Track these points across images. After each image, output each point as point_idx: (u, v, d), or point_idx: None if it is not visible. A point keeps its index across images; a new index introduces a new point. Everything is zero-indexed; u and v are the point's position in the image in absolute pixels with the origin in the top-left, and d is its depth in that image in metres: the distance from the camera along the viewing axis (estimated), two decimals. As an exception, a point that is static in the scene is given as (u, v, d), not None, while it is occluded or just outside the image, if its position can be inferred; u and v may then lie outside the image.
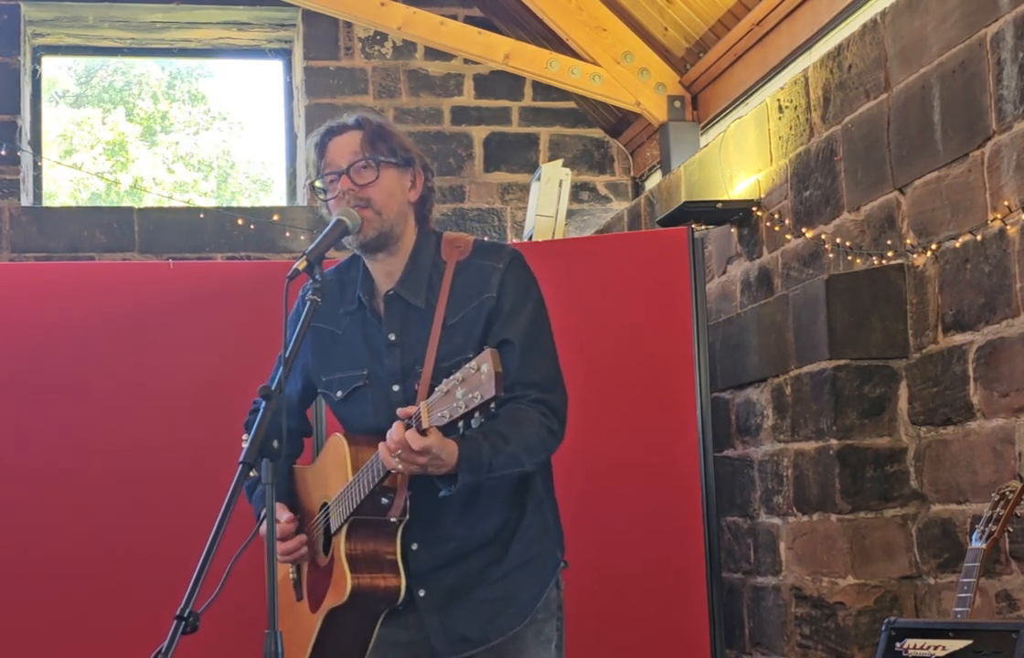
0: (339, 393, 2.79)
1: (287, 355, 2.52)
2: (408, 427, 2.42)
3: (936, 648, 2.94)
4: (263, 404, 2.46)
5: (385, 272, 2.77)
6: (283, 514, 2.79)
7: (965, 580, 3.04)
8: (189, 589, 2.25)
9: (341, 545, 2.63)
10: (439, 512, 2.65)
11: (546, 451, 2.67)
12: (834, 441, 4.04)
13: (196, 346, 4.54)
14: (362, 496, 2.57)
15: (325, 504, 2.77)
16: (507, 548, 2.71)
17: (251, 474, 2.43)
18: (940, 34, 3.85)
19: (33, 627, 4.31)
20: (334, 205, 2.72)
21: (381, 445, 2.47)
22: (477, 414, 2.30)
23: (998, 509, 3.12)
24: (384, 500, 2.60)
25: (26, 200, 7.40)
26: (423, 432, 2.40)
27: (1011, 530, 3.25)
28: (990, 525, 3.10)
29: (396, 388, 2.70)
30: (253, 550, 2.59)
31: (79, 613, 4.33)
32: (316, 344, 2.83)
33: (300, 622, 2.82)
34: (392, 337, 2.73)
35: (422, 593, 2.68)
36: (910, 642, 3.00)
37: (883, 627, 3.11)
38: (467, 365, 2.31)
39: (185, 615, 2.23)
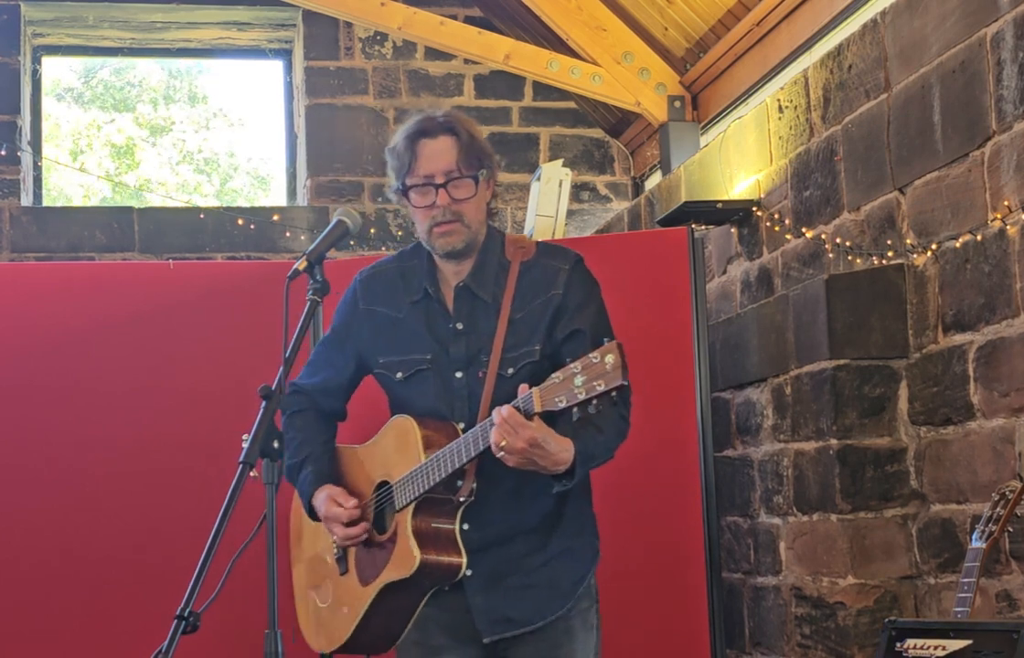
0: (399, 374, 2.86)
1: (287, 355, 2.53)
2: (518, 409, 2.53)
3: (936, 648, 2.94)
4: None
5: (455, 268, 2.86)
6: (348, 500, 2.83)
7: (965, 580, 3.04)
8: (189, 589, 2.26)
9: (407, 521, 2.72)
10: (489, 495, 2.75)
11: (622, 439, 2.79)
12: (834, 441, 4.04)
13: (196, 346, 4.54)
14: (441, 476, 2.67)
15: (385, 483, 2.83)
16: (550, 535, 2.81)
17: (251, 473, 2.45)
18: (940, 34, 3.85)
19: (33, 627, 4.31)
20: (422, 215, 2.79)
21: (493, 434, 2.55)
22: (595, 402, 2.44)
23: (998, 509, 3.12)
24: (459, 482, 2.71)
25: (26, 200, 7.40)
26: (531, 417, 2.51)
27: (1011, 530, 3.25)
28: (990, 525, 3.10)
29: (459, 375, 2.80)
30: (253, 550, 2.59)
31: (79, 613, 4.33)
32: (374, 328, 2.91)
33: (345, 595, 2.90)
34: (460, 326, 2.82)
35: (468, 572, 2.76)
36: (910, 642, 3.00)
37: (883, 627, 3.11)
38: (588, 356, 2.45)
39: (185, 615, 2.24)
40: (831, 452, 4.05)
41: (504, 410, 2.53)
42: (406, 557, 2.72)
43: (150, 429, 4.46)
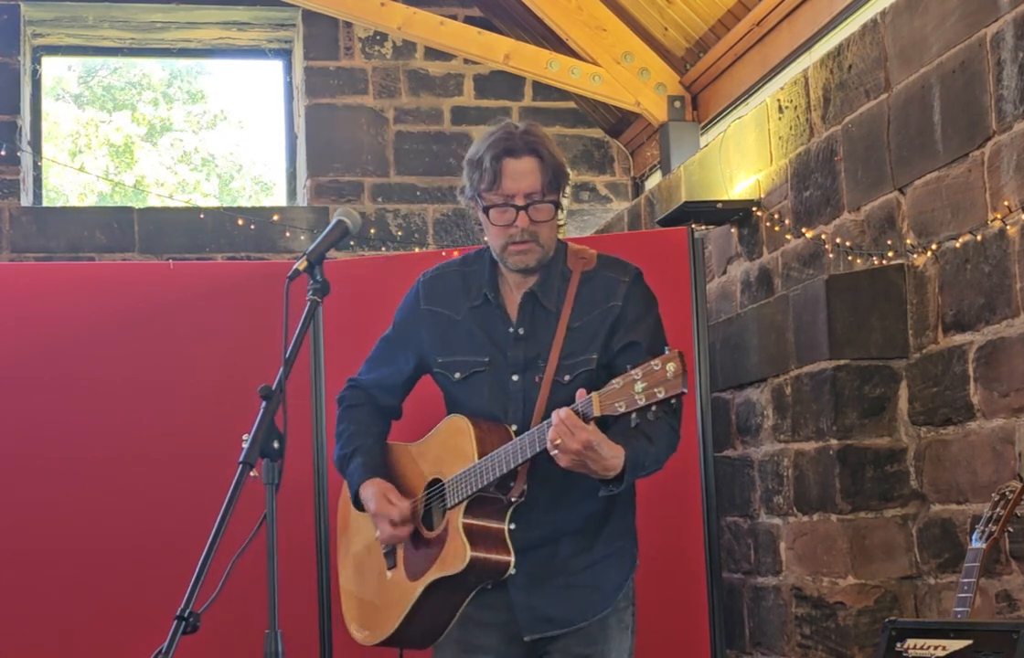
0: (457, 374, 2.92)
1: (287, 355, 2.53)
2: (577, 412, 2.59)
3: (936, 648, 2.94)
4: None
5: (521, 277, 2.91)
6: (401, 500, 2.90)
7: (965, 580, 3.04)
8: (189, 589, 2.26)
9: (459, 519, 2.78)
10: (537, 497, 2.81)
11: (672, 451, 2.83)
12: (834, 441, 4.04)
13: (196, 346, 4.54)
14: (496, 475, 2.73)
15: (437, 480, 2.89)
16: (595, 538, 2.89)
17: (251, 473, 2.44)
18: (940, 34, 3.85)
19: (33, 627, 4.31)
20: (498, 232, 2.84)
21: (550, 435, 2.61)
22: (655, 408, 2.51)
23: (998, 509, 3.12)
24: (511, 483, 2.77)
25: (26, 200, 7.40)
26: (589, 421, 2.58)
27: (1011, 530, 3.25)
28: (990, 525, 3.10)
29: (515, 378, 2.86)
30: (253, 550, 2.59)
31: (79, 613, 4.33)
32: (434, 327, 2.97)
33: (392, 590, 2.96)
34: (521, 331, 2.88)
35: (513, 571, 2.82)
36: (910, 642, 3.00)
37: (884, 627, 3.11)
38: (648, 363, 2.52)
39: (185, 615, 2.24)
40: (831, 452, 4.05)
41: (563, 411, 2.59)
42: (457, 553, 2.78)
43: (150, 429, 4.46)
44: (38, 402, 4.44)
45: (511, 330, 2.89)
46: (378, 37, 7.70)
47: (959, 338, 3.78)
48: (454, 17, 7.37)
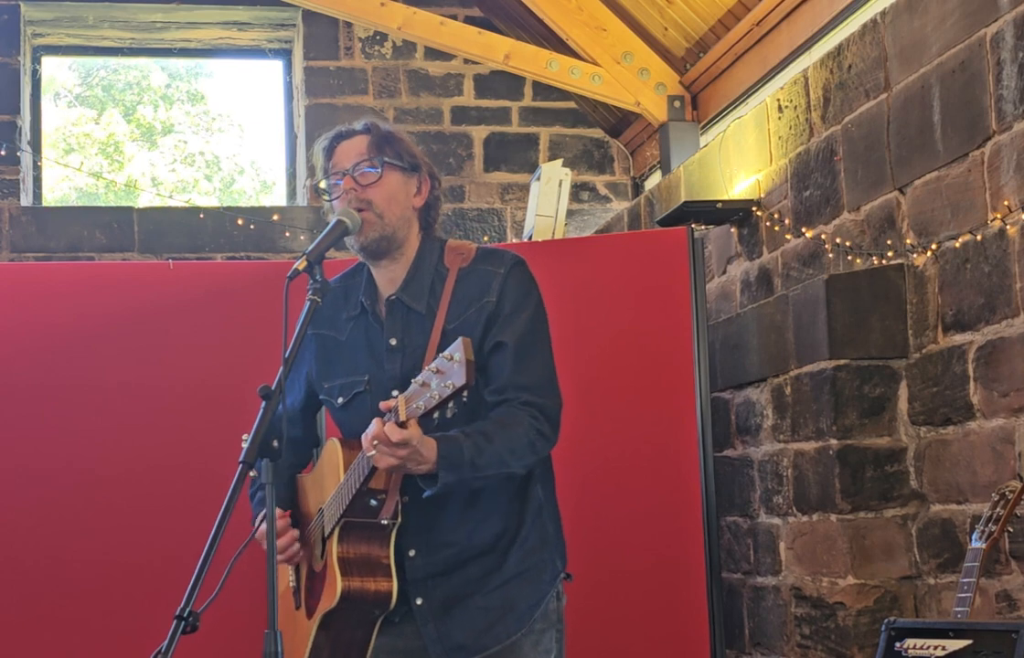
0: (340, 399, 2.79)
1: (287, 355, 2.52)
2: (387, 420, 2.42)
3: (936, 648, 2.94)
4: (265, 405, 2.43)
5: (388, 278, 2.77)
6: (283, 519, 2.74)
7: (965, 580, 3.04)
8: (189, 589, 2.25)
9: (333, 548, 2.61)
10: (436, 518, 2.64)
11: (534, 454, 2.63)
12: (834, 441, 4.04)
13: (196, 346, 4.54)
14: (351, 496, 2.56)
15: (321, 509, 2.75)
16: (506, 556, 2.68)
17: (252, 475, 2.44)
18: (940, 34, 3.85)
19: (33, 627, 4.31)
20: (338, 206, 2.72)
21: (363, 438, 2.47)
22: (451, 404, 2.32)
23: (998, 509, 3.12)
24: (373, 502, 2.59)
25: (26, 200, 7.40)
26: (401, 425, 2.40)
27: (1011, 530, 3.25)
28: (990, 525, 3.10)
29: (395, 393, 2.65)
30: (253, 550, 2.59)
31: (78, 612, 4.33)
32: (320, 351, 2.83)
33: (298, 630, 2.81)
34: (393, 342, 2.72)
35: (419, 601, 2.65)
36: (910, 642, 3.00)
37: (883, 627, 3.11)
38: (443, 355, 2.32)
39: (185, 615, 2.23)
40: (831, 452, 4.05)
41: (375, 423, 2.43)
42: (331, 586, 2.60)
43: (150, 429, 4.46)
44: (38, 401, 4.44)
45: (385, 341, 2.73)
46: (378, 37, 7.70)
47: (959, 338, 3.78)
48: (454, 17, 7.37)
